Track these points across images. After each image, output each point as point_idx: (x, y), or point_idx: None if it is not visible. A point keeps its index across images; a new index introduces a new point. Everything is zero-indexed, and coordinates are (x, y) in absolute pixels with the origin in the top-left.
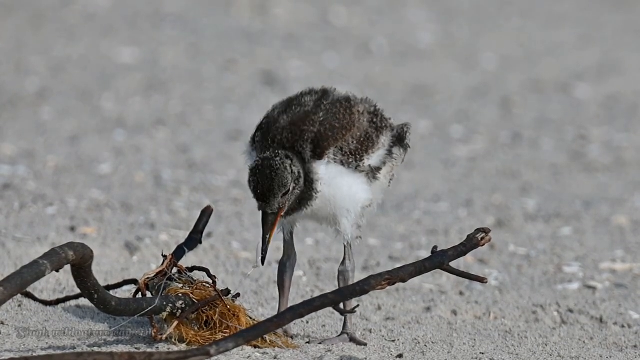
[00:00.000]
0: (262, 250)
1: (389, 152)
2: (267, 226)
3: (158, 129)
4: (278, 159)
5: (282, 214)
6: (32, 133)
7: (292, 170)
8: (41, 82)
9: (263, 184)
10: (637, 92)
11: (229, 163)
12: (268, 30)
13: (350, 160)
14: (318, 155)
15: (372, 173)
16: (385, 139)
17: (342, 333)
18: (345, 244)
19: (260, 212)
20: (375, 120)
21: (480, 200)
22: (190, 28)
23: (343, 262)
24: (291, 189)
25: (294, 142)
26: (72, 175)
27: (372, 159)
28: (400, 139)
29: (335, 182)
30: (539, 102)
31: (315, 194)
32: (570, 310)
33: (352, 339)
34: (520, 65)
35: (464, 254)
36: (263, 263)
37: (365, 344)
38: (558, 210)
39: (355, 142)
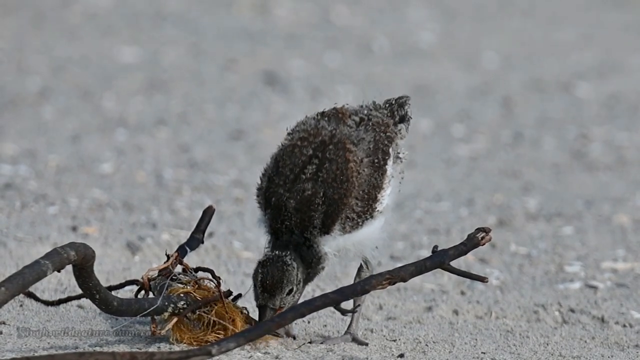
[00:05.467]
0: None
1: (397, 162)
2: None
3: (159, 128)
4: (288, 258)
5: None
6: (34, 132)
7: (297, 274)
8: (42, 82)
9: (273, 275)
10: (638, 92)
11: (230, 162)
12: (269, 29)
13: (360, 221)
14: (325, 232)
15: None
16: (390, 166)
17: (345, 333)
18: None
19: (259, 308)
20: (377, 159)
21: (482, 200)
22: (191, 28)
23: (361, 268)
24: (294, 290)
25: (303, 228)
26: (74, 174)
27: (384, 201)
28: (402, 119)
29: (347, 244)
30: (541, 102)
31: (322, 270)
32: (572, 310)
33: (355, 339)
34: (522, 64)
35: (465, 253)
36: None
37: (367, 344)
38: (559, 209)
39: (360, 202)
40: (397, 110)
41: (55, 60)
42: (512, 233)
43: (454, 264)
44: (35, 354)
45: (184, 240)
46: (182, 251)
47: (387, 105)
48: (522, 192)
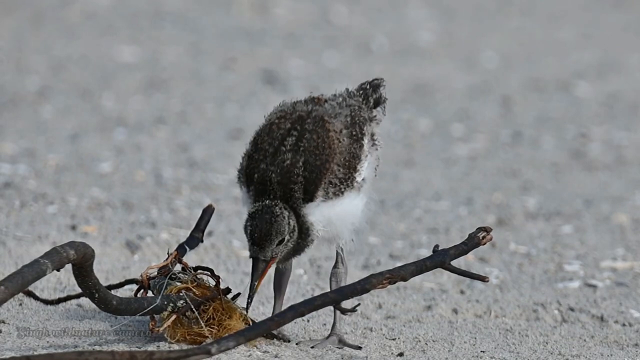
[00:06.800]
0: (249, 296)
1: (372, 142)
2: (257, 273)
3: (158, 127)
4: (278, 208)
5: (273, 264)
6: (33, 132)
7: (289, 222)
8: (42, 81)
9: (261, 228)
10: (637, 91)
11: (229, 161)
12: (268, 29)
13: (342, 187)
14: (309, 199)
15: (364, 180)
16: (367, 141)
17: (331, 335)
18: (339, 249)
19: (251, 260)
20: (354, 132)
21: (481, 199)
22: (190, 27)
23: (336, 265)
24: (286, 239)
25: (287, 199)
26: (73, 173)
27: (362, 173)
28: (377, 102)
29: (331, 214)
30: (540, 101)
31: (311, 243)
32: (571, 309)
33: (341, 341)
34: (521, 63)
35: (466, 252)
36: (247, 309)
37: (359, 348)
38: (559, 208)
39: (342, 168)
40: (371, 95)
41: (54, 59)
42: (511, 232)
43: (454, 263)
44: (35, 353)
45: (183, 239)
46: (181, 250)
47: (360, 90)
48: (521, 191)
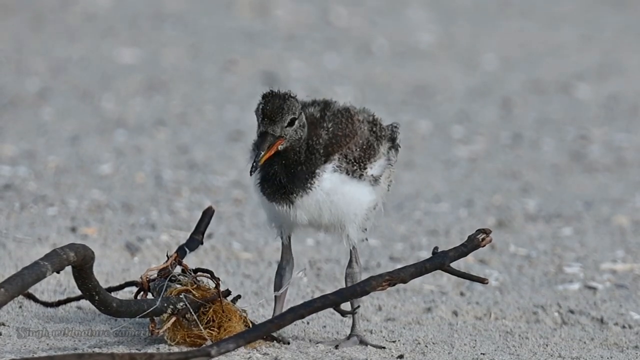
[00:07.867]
0: (254, 162)
1: (388, 160)
2: (265, 144)
3: (159, 129)
4: (290, 93)
5: (281, 145)
6: (33, 133)
7: (300, 109)
8: (42, 83)
9: (274, 102)
10: (637, 93)
11: (229, 163)
12: (269, 30)
13: (355, 168)
14: (325, 160)
15: (374, 179)
16: (384, 148)
17: (351, 336)
18: (351, 248)
19: (260, 135)
20: (374, 129)
21: (481, 201)
22: (190, 28)
23: (350, 265)
24: (296, 124)
25: (309, 138)
26: (73, 175)
27: (374, 169)
28: (391, 140)
29: (340, 188)
30: (540, 103)
31: (317, 181)
32: (571, 311)
33: (362, 341)
34: (521, 65)
35: (465, 254)
36: (251, 174)
37: (382, 347)
38: (559, 210)
39: (358, 149)
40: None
41: (54, 61)
42: (511, 234)
43: (453, 265)
44: (35, 355)
45: (183, 241)
46: (181, 252)
47: None
48: (521, 193)
